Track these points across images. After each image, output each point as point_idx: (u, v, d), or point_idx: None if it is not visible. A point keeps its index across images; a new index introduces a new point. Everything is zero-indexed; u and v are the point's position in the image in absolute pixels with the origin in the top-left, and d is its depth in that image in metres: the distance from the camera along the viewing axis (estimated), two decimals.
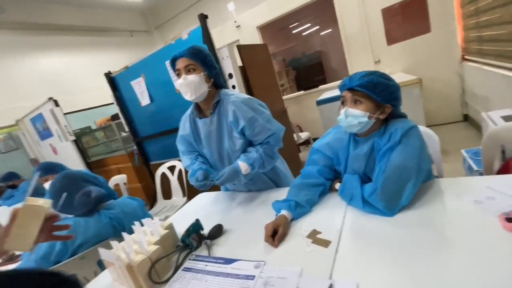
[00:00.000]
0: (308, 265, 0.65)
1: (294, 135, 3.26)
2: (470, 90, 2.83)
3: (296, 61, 6.14)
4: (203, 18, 1.89)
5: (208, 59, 1.08)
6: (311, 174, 1.00)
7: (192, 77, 1.04)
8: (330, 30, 5.57)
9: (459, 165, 2.14)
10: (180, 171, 2.21)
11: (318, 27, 5.90)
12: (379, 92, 0.80)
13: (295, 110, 4.29)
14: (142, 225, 0.91)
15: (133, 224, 0.90)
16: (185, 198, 2.21)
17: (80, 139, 3.77)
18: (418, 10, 3.08)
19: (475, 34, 2.39)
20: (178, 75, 1.07)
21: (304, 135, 3.57)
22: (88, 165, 3.36)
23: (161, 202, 2.41)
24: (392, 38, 3.35)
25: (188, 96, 1.07)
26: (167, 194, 2.41)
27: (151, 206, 2.65)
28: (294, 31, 6.14)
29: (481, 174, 1.54)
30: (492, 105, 2.23)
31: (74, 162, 3.18)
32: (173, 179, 2.27)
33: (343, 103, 0.88)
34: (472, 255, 0.54)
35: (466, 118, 3.13)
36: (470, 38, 2.58)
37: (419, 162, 0.77)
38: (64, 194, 0.85)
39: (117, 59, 4.41)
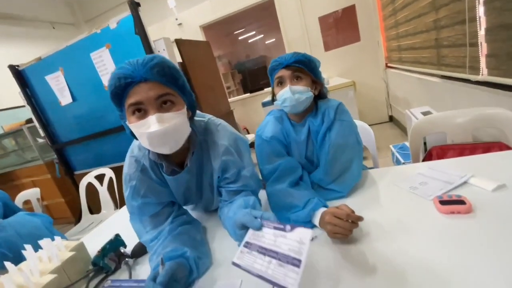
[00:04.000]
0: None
1: None
2: (393, 94, 3.20)
3: (241, 64, 6.18)
4: (134, 5, 1.69)
5: (184, 80, 0.67)
6: (291, 166, 0.83)
7: (173, 118, 0.61)
8: (274, 39, 5.77)
9: (389, 159, 2.38)
10: (110, 179, 1.90)
11: (262, 35, 6.05)
12: (312, 68, 0.84)
13: (242, 112, 4.25)
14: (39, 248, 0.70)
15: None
16: (118, 211, 1.91)
17: None
18: (348, 21, 3.37)
19: (396, 43, 2.71)
20: (139, 116, 0.60)
21: (251, 137, 3.55)
22: None
23: (87, 217, 2.05)
24: (328, 45, 3.59)
25: (166, 150, 0.64)
26: (96, 208, 2.07)
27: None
28: (240, 38, 6.16)
29: None
30: (411, 105, 2.54)
31: None
32: (102, 190, 1.94)
33: (280, 83, 0.86)
34: (414, 238, 0.56)
35: (391, 118, 3.53)
36: (391, 47, 2.92)
37: (357, 136, 0.84)
38: None
39: (35, 54, 3.70)
